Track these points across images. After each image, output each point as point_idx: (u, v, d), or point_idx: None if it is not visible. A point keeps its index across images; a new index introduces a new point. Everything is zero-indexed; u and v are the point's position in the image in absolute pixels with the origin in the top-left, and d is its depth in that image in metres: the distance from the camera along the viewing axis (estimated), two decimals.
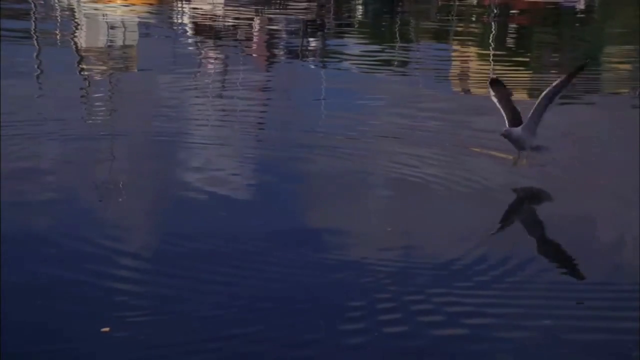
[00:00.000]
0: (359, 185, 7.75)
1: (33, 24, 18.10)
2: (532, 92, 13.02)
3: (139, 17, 20.20)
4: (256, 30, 20.18)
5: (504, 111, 7.33)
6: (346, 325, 4.99)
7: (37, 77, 12.30)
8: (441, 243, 6.44)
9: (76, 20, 18.83)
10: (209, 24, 20.80)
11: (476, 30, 21.09)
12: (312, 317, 5.09)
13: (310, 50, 17.87)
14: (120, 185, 7.44)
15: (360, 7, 26.90)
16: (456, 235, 6.48)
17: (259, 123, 10.38)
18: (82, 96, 11.25)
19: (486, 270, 5.80)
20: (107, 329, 4.75)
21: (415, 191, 7.48)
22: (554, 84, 7.08)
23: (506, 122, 7.36)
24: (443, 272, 5.80)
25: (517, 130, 7.19)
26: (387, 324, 5.02)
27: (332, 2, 26.09)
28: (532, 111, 7.20)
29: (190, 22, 20.95)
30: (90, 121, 9.87)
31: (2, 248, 5.71)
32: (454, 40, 19.75)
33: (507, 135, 7.25)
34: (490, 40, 19.28)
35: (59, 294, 5.26)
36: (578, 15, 26.56)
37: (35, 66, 13.12)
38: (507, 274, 5.76)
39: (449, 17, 24.74)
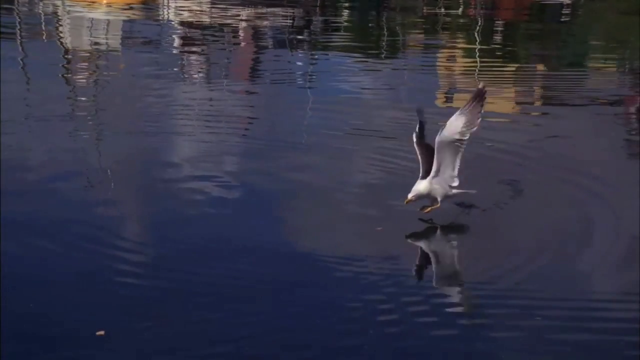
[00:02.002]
0: (348, 184, 7.69)
1: (18, 24, 17.93)
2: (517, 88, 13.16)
3: (123, 18, 19.99)
4: (242, 27, 20.12)
5: (423, 163, 6.54)
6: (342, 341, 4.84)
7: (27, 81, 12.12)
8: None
9: (60, 24, 18.55)
10: (196, 22, 20.71)
11: (461, 38, 21.02)
12: (303, 335, 4.88)
13: (299, 43, 17.88)
14: (111, 187, 7.31)
15: (346, 4, 26.87)
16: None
17: (249, 118, 10.40)
18: (68, 94, 11.23)
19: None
20: (101, 332, 4.69)
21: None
22: (452, 127, 6.24)
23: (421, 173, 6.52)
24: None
25: (423, 185, 6.44)
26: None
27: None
28: (436, 161, 6.37)
29: (177, 20, 20.91)
30: (75, 119, 9.79)
31: None
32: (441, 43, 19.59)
33: (414, 199, 6.46)
34: (475, 42, 19.15)
35: (53, 297, 5.17)
36: (564, 11, 26.54)
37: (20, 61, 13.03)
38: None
39: (436, 12, 24.72)
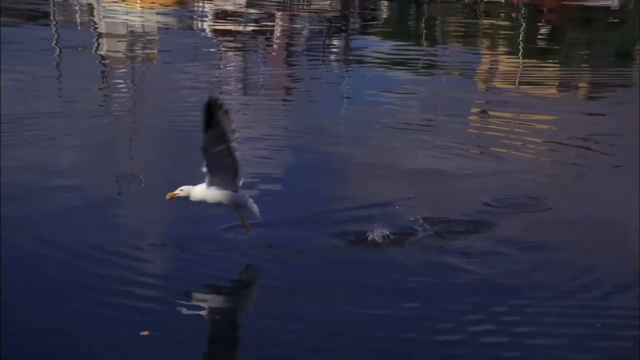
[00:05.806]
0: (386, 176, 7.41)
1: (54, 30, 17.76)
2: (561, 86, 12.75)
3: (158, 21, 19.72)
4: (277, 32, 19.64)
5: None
6: None
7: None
8: None
9: (96, 27, 18.31)
10: (230, 20, 20.53)
11: (504, 27, 20.63)
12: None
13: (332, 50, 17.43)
14: (137, 184, 6.99)
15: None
16: None
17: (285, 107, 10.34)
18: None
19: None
20: (146, 333, 4.48)
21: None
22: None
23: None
24: None
25: (199, 189, 5.60)
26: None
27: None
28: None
29: (213, 14, 20.87)
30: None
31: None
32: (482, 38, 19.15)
33: (184, 195, 5.63)
34: (519, 39, 18.61)
35: (95, 298, 4.87)
36: (612, 14, 25.64)
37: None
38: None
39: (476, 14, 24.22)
